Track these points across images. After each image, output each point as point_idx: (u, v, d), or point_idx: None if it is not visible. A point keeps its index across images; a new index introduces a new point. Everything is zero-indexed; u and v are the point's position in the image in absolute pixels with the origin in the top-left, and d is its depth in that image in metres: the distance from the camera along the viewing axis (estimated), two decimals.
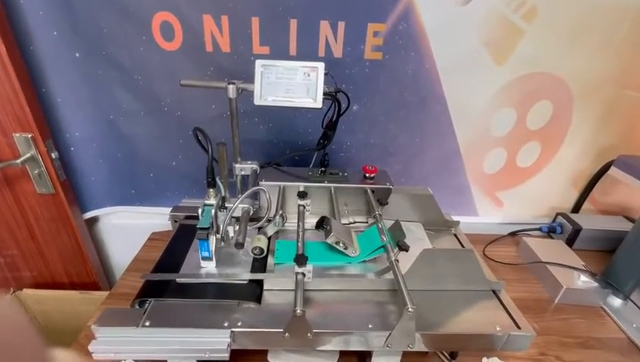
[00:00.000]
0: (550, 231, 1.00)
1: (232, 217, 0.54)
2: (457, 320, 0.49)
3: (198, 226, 0.49)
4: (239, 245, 0.46)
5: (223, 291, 0.50)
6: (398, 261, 0.50)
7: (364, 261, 0.57)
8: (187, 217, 0.69)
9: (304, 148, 0.89)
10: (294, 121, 0.86)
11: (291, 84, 0.56)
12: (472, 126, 0.89)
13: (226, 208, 0.53)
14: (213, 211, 0.51)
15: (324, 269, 0.56)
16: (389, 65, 0.79)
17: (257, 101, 0.56)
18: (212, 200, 0.52)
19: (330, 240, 0.54)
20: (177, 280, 0.52)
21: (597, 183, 0.97)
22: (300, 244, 0.53)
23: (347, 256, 0.57)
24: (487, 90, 0.84)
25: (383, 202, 0.64)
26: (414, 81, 0.82)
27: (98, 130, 0.85)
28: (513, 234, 1.02)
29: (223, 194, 0.53)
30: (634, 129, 0.91)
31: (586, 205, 1.02)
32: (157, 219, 0.96)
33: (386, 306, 0.51)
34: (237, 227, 0.53)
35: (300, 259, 0.48)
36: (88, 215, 0.95)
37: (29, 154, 0.77)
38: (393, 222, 0.59)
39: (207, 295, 0.50)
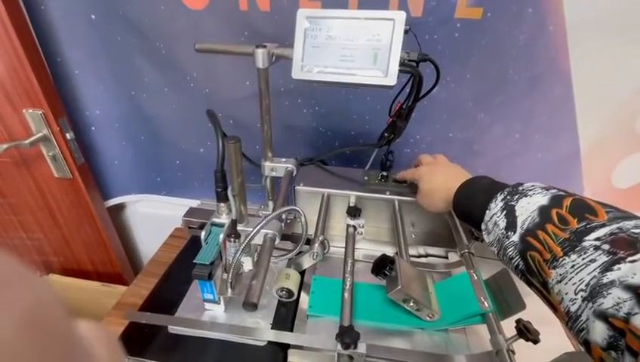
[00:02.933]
0: None
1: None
2: None
3: (196, 260, 0.33)
4: (250, 306, 0.29)
5: (232, 357, 0.34)
6: (513, 352, 0.29)
7: (446, 330, 0.37)
8: (202, 226, 0.54)
9: (359, 142, 0.68)
10: (348, 105, 0.66)
11: (350, 48, 0.36)
12: (607, 118, 0.61)
13: (238, 236, 0.35)
14: (221, 237, 0.34)
15: (382, 334, 0.37)
16: (490, 27, 0.55)
17: (297, 74, 0.37)
18: (223, 219, 0.36)
19: (395, 296, 0.34)
20: (170, 329, 0.36)
21: None
22: (346, 296, 0.34)
23: (419, 318, 0.37)
24: None
25: (478, 236, 0.42)
26: (527, 51, 0.56)
27: (120, 107, 0.74)
28: None
29: (234, 215, 0.35)
30: None
31: None
32: (184, 210, 0.84)
33: None
34: (256, 257, 0.35)
35: (348, 337, 0.29)
36: (112, 201, 0.86)
37: (40, 134, 0.67)
38: (497, 271, 0.37)
39: (208, 360, 0.34)
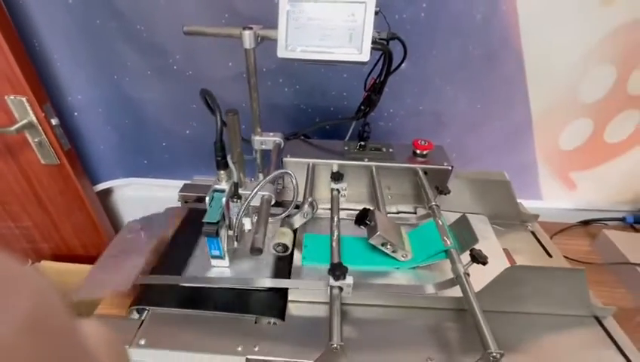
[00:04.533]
0: (636, 222, 0.82)
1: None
2: (552, 356, 0.36)
3: (204, 220, 0.38)
4: (256, 250, 0.34)
5: (238, 302, 0.40)
6: (468, 275, 0.37)
7: (417, 267, 0.45)
8: (199, 199, 0.58)
9: (338, 116, 0.74)
10: (327, 82, 0.71)
11: (328, 28, 0.40)
12: (554, 89, 0.70)
13: (240, 197, 0.41)
14: (224, 200, 0.39)
15: (365, 275, 0.44)
16: (452, 7, 0.61)
17: (282, 53, 0.42)
18: (223, 185, 0.41)
19: (375, 241, 0.41)
20: (181, 283, 0.41)
21: None
22: (334, 244, 0.41)
23: (395, 259, 0.44)
24: (584, 39, 0.64)
25: (442, 190, 0.50)
26: (484, 29, 0.63)
27: (102, 92, 0.75)
28: (585, 223, 0.84)
29: (236, 179, 0.40)
30: None
31: None
32: (173, 191, 0.86)
33: (449, 331, 0.38)
34: (254, 218, 0.41)
35: (338, 270, 0.36)
36: (100, 186, 0.88)
37: (25, 121, 0.68)
38: (458, 216, 0.45)
39: (218, 306, 0.39)
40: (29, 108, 0.67)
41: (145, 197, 0.91)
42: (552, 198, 0.87)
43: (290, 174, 0.42)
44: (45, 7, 0.64)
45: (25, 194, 0.80)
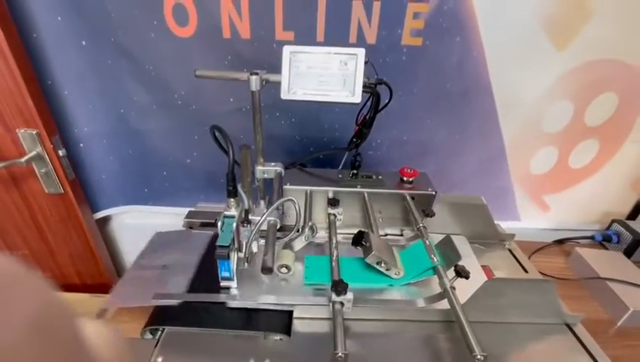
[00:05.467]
0: (604, 240, 0.89)
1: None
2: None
3: (217, 244, 0.42)
4: (267, 270, 0.39)
5: (248, 320, 0.43)
6: (454, 288, 0.42)
7: (408, 283, 0.49)
8: (203, 224, 0.62)
9: (330, 146, 0.80)
10: (320, 116, 0.78)
11: (325, 75, 0.47)
12: (521, 121, 0.78)
13: (249, 222, 0.45)
14: (234, 225, 0.43)
15: (362, 292, 0.48)
16: (430, 52, 0.69)
17: (285, 95, 0.48)
18: (233, 212, 0.45)
19: (371, 260, 0.46)
20: (193, 302, 0.45)
21: None
22: (334, 264, 0.45)
23: (389, 276, 0.49)
24: (543, 79, 0.73)
25: (428, 213, 0.56)
26: (458, 71, 0.71)
27: (108, 125, 0.79)
28: (560, 241, 0.91)
29: (247, 206, 0.45)
30: None
31: None
32: (171, 219, 0.90)
33: (439, 342, 0.43)
34: (260, 241, 0.45)
35: (339, 286, 0.40)
36: (100, 214, 0.90)
37: (34, 152, 0.71)
38: (441, 237, 0.50)
39: (229, 323, 0.43)
40: (38, 140, 0.70)
41: (142, 224, 0.93)
42: (529, 219, 0.94)
43: (293, 201, 0.47)
44: (61, 48, 0.69)
45: (25, 222, 0.82)
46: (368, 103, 0.57)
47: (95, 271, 0.92)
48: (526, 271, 0.57)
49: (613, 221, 0.90)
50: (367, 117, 0.58)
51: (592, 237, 0.90)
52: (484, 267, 0.53)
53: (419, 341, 0.43)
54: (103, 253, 0.91)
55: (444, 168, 0.86)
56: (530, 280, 0.49)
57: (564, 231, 0.93)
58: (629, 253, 0.83)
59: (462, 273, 0.41)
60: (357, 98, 0.47)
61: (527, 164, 0.85)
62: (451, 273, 0.44)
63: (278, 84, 0.49)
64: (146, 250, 0.63)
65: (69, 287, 0.94)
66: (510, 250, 0.62)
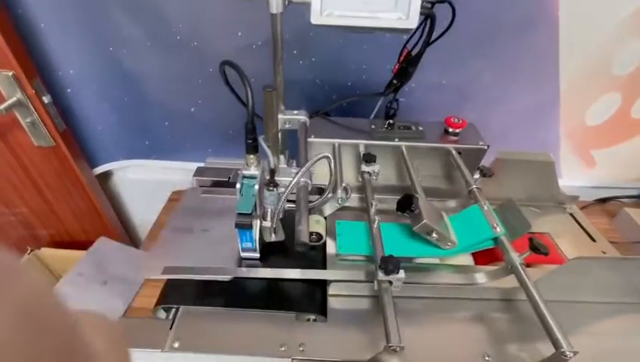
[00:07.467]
0: None
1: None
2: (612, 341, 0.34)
3: (237, 210, 0.34)
4: (302, 245, 0.31)
5: (276, 298, 0.37)
6: (524, 264, 0.35)
7: (459, 255, 0.42)
8: (214, 183, 0.54)
9: (355, 92, 0.69)
10: (345, 54, 0.65)
11: None
12: (587, 61, 0.66)
13: (276, 185, 0.36)
14: (256, 188, 0.35)
15: (407, 264, 0.41)
16: None
17: (316, 19, 0.36)
18: (253, 171, 0.36)
19: (421, 229, 0.38)
20: (211, 277, 0.38)
21: None
22: (375, 233, 0.38)
23: (437, 247, 0.41)
24: (620, 9, 0.59)
25: (486, 172, 0.46)
26: None
27: (96, 66, 0.68)
28: (603, 200, 0.83)
29: (272, 164, 0.36)
30: None
31: None
32: (178, 174, 0.83)
33: (501, 323, 0.36)
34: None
35: (390, 264, 0.33)
36: (99, 169, 0.82)
37: (14, 98, 0.61)
38: (503, 202, 0.42)
39: (256, 302, 0.36)
40: (16, 84, 0.60)
41: (148, 180, 0.86)
42: (571, 176, 0.85)
43: (329, 158, 0.38)
44: None
45: (18, 178, 0.75)
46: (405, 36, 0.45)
47: (101, 227, 0.87)
48: (593, 240, 0.50)
49: None
50: (412, 52, 0.46)
51: (638, 196, 0.82)
52: (542, 235, 0.46)
53: (475, 322, 0.37)
54: (107, 209, 0.85)
55: (484, 118, 0.75)
56: (625, 259, 0.40)
57: (607, 188, 0.85)
58: None
59: (540, 249, 0.33)
60: (413, 22, 0.35)
61: (582, 114, 0.73)
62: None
63: (306, 5, 0.38)
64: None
65: (76, 245, 0.90)
66: (572, 215, 0.54)
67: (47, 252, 0.86)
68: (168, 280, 0.39)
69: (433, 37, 0.46)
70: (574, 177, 0.84)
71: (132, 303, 0.47)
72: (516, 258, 0.35)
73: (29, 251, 0.84)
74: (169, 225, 0.50)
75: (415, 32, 0.45)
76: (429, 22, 0.41)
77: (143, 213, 0.96)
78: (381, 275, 0.33)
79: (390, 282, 0.34)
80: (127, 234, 0.94)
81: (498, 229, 0.38)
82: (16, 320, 0.10)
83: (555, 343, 0.28)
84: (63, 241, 0.90)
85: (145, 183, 0.87)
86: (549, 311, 0.30)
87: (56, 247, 0.86)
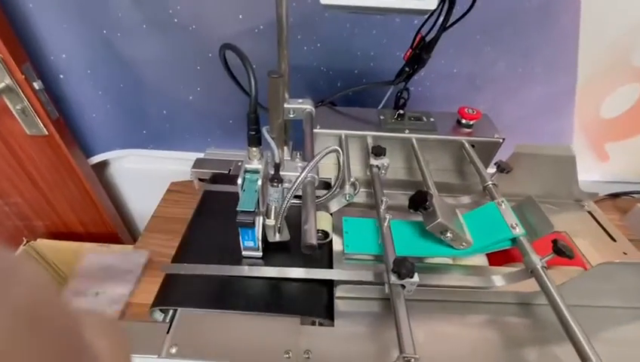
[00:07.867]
0: None
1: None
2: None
3: (239, 208, 0.31)
4: (309, 247, 0.29)
5: (280, 300, 0.35)
6: (546, 267, 0.32)
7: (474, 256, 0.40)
8: (214, 176, 0.51)
9: (362, 81, 0.65)
10: (352, 40, 0.62)
11: None
12: (608, 50, 0.62)
13: (281, 180, 0.34)
14: (259, 183, 0.33)
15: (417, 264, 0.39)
16: None
17: None
18: (256, 165, 0.34)
19: (435, 229, 0.36)
20: (211, 274, 0.36)
21: None
22: (385, 232, 0.35)
23: (451, 247, 0.39)
24: None
25: (504, 167, 0.44)
26: None
27: (90, 50, 0.64)
28: (614, 196, 0.81)
29: (277, 158, 0.33)
30: None
31: None
32: (176, 164, 0.80)
33: (519, 329, 0.34)
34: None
35: (404, 267, 0.30)
36: (95, 159, 0.79)
37: (3, 84, 0.58)
38: (522, 199, 0.39)
39: (258, 305, 0.34)
40: (4, 68, 0.57)
41: (145, 170, 0.84)
42: (582, 170, 0.82)
43: (339, 151, 0.35)
44: None
45: (11, 167, 0.72)
46: (419, 21, 0.42)
47: (98, 219, 0.85)
48: (613, 239, 0.48)
49: None
50: (426, 37, 0.43)
51: None
52: (560, 233, 0.43)
53: (495, 330, 0.35)
54: (104, 200, 0.82)
55: (496, 108, 0.72)
56: None
57: (619, 183, 0.82)
58: None
59: (565, 251, 0.31)
60: (432, 3, 0.32)
61: (598, 105, 0.70)
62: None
63: None
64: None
65: (74, 236, 0.88)
66: (590, 212, 0.52)
67: (43, 243, 0.84)
68: (165, 279, 0.37)
69: (449, 21, 0.43)
70: (586, 171, 0.82)
71: (129, 300, 0.46)
72: (538, 261, 0.32)
73: (24, 242, 0.82)
74: None
75: (430, 15, 0.41)
76: (446, 4, 0.37)
77: (140, 203, 0.94)
78: (394, 279, 0.31)
79: (403, 286, 0.31)
80: (124, 225, 0.92)
81: (517, 230, 0.36)
82: (17, 320, 0.10)
83: (581, 354, 0.26)
84: (60, 232, 0.88)
85: (142, 173, 0.85)
86: (574, 320, 0.28)
87: (53, 238, 0.84)
